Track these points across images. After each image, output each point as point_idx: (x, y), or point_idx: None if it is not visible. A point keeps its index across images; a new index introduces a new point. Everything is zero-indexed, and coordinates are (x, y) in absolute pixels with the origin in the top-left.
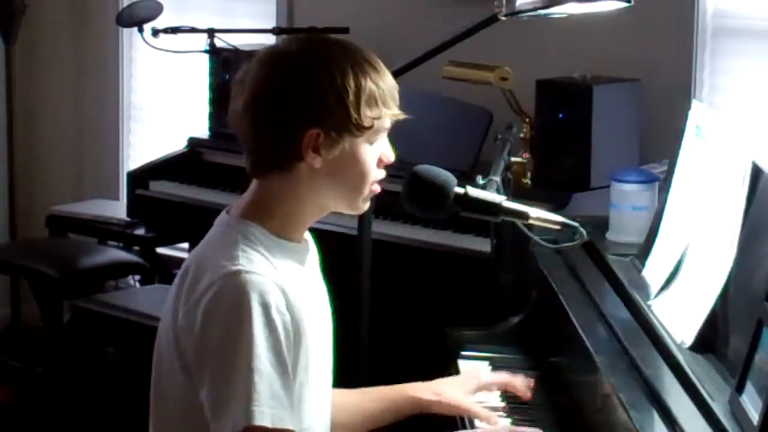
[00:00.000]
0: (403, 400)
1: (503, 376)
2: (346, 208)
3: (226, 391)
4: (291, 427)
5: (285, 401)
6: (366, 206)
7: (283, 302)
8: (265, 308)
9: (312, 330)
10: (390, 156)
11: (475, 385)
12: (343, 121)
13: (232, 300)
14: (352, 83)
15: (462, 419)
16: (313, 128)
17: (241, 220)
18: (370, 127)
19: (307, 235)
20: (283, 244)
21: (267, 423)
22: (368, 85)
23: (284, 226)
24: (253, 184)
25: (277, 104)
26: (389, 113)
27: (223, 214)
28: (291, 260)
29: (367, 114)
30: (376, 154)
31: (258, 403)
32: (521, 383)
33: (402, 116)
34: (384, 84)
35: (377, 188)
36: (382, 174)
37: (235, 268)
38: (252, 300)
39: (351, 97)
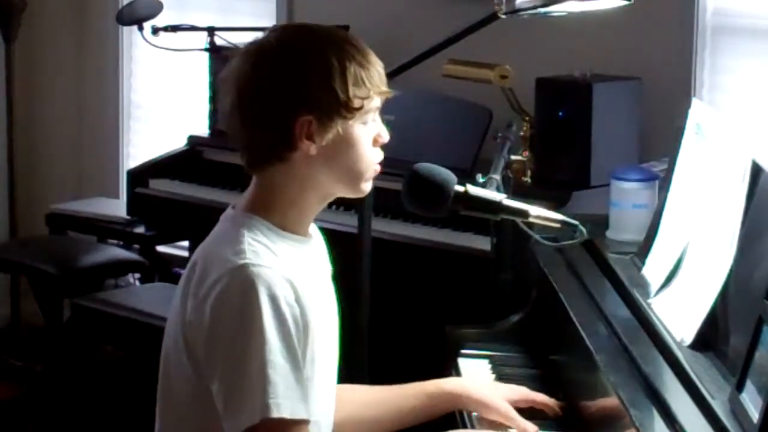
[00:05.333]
0: (440, 394)
1: (542, 396)
2: (349, 191)
3: (240, 385)
4: (306, 417)
5: (299, 392)
6: (368, 188)
7: (292, 295)
8: (274, 300)
9: (318, 324)
10: (385, 135)
11: (514, 395)
12: (332, 104)
13: (241, 294)
14: (336, 65)
15: (462, 417)
16: (304, 115)
17: (246, 214)
18: (360, 108)
19: (315, 231)
20: (288, 236)
21: (285, 414)
22: (352, 65)
23: (287, 219)
24: (254, 180)
25: (264, 97)
26: (377, 91)
27: (228, 209)
28: (295, 253)
29: (356, 94)
30: (370, 134)
31: (274, 396)
32: (555, 406)
33: (391, 93)
34: (368, 63)
35: (378, 168)
36: (379, 154)
37: (242, 261)
38: (261, 293)
39: (337, 79)
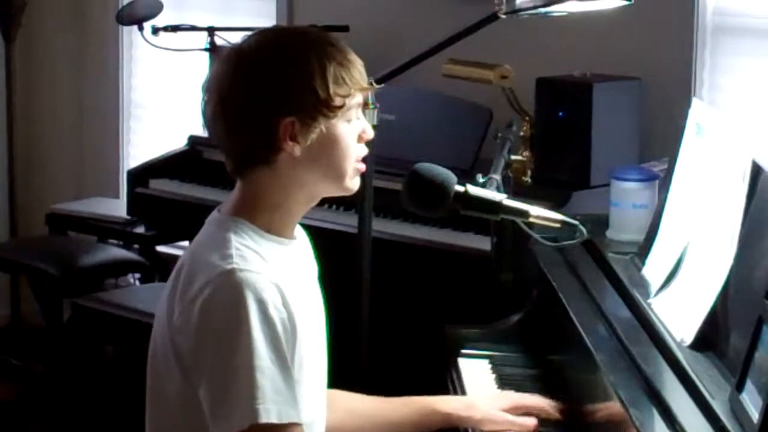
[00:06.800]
0: (431, 414)
1: (535, 398)
2: (335, 189)
3: (228, 391)
4: (297, 421)
5: (289, 396)
6: (356, 185)
7: (279, 299)
8: (262, 305)
9: (306, 327)
10: (369, 132)
11: (507, 403)
12: (313, 104)
13: (229, 299)
14: (315, 65)
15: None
16: (286, 117)
17: (232, 218)
18: (342, 106)
19: (300, 232)
20: (273, 239)
21: (274, 419)
22: (332, 65)
23: (272, 222)
24: (239, 183)
25: (245, 102)
26: (358, 88)
27: (214, 212)
28: (281, 256)
29: (337, 92)
30: (354, 131)
31: (262, 401)
32: (550, 407)
33: (372, 89)
34: (348, 62)
35: (362, 166)
36: (363, 150)
37: (229, 266)
38: (248, 298)
39: (317, 78)
